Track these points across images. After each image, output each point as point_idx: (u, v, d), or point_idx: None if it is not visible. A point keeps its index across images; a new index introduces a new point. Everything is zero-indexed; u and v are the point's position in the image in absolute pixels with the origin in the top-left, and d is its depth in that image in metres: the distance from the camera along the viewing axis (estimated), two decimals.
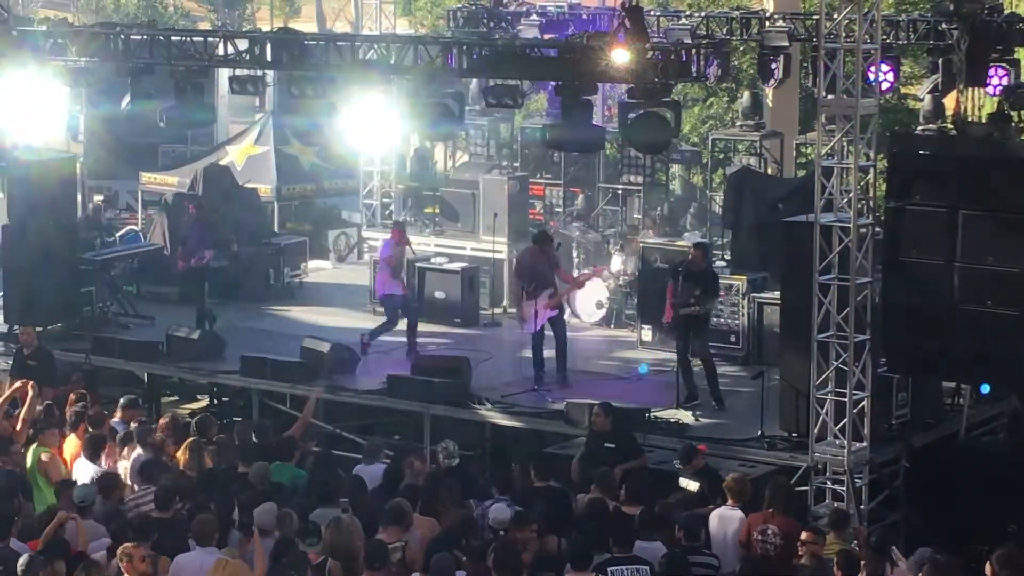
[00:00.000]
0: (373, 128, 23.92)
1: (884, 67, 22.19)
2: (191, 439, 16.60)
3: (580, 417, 18.34)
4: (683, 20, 27.12)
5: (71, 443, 17.00)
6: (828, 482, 16.78)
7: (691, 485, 15.94)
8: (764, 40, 25.74)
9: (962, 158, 16.93)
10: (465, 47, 19.38)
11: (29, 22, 22.74)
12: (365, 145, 26.55)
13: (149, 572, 12.86)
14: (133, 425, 17.37)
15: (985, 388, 18.56)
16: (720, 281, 20.20)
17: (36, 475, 16.33)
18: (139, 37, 21.23)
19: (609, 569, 13.12)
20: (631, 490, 15.16)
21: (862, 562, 13.53)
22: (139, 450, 16.49)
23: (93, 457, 16.34)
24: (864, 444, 16.86)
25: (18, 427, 17.11)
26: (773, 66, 25.44)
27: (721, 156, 28.52)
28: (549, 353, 20.34)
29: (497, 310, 23.88)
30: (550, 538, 14.13)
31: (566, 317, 21.00)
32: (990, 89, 23.68)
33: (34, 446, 16.70)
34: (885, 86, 23.84)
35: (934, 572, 13.11)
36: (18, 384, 17.79)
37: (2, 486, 15.12)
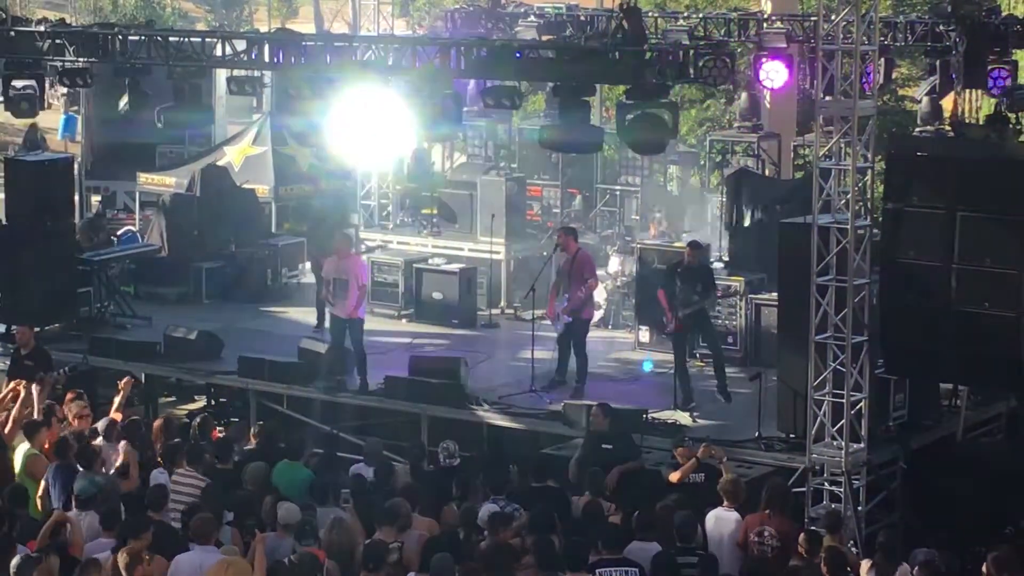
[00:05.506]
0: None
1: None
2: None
3: (578, 418, 18.34)
4: (681, 21, 27.17)
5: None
6: (826, 483, 16.77)
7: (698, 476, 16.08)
8: (762, 41, 25.75)
9: (960, 160, 16.92)
10: (463, 48, 19.38)
11: (27, 22, 22.73)
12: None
13: (152, 573, 12.84)
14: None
15: None
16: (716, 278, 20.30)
17: (24, 475, 16.08)
18: (137, 38, 21.23)
19: (597, 571, 13.12)
20: (618, 502, 15.14)
21: (864, 563, 13.53)
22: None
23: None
24: (862, 445, 16.86)
25: (7, 428, 16.81)
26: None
27: (719, 158, 28.52)
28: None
29: (495, 311, 23.87)
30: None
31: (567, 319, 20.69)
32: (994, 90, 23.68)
33: (25, 446, 16.42)
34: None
35: (926, 573, 13.13)
36: (11, 386, 17.73)
37: None
